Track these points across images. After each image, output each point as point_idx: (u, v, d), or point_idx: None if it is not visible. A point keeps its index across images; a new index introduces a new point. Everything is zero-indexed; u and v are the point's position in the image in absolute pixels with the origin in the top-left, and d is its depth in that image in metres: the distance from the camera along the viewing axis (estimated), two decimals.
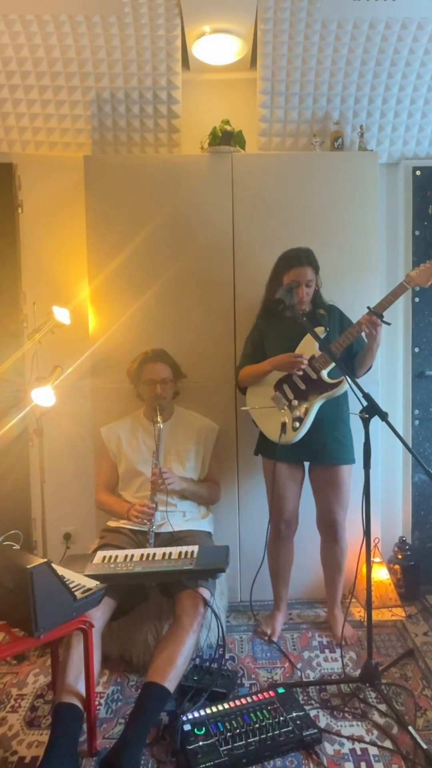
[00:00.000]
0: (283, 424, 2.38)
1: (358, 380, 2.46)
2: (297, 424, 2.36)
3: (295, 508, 2.54)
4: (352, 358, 2.44)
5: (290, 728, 1.85)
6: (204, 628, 2.31)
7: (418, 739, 1.84)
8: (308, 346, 2.38)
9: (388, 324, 2.29)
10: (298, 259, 2.40)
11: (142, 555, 2.22)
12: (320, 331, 2.36)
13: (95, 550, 2.32)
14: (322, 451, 2.43)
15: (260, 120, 2.93)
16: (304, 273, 2.39)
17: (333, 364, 2.34)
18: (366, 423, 2.04)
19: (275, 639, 2.52)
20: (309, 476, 2.56)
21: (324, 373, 2.35)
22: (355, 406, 2.18)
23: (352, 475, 2.49)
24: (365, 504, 2.07)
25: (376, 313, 2.25)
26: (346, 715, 2.02)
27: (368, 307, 2.27)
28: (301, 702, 2.04)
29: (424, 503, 3.06)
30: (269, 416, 2.44)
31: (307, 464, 2.56)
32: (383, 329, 2.31)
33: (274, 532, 2.56)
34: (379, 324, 2.26)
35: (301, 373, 2.36)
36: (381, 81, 2.80)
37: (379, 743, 1.88)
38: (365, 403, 2.03)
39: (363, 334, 2.30)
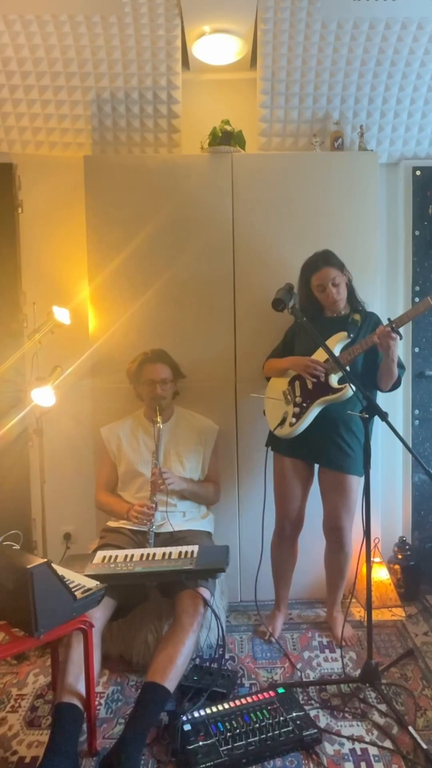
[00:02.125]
0: (284, 418, 2.41)
1: (387, 393, 2.43)
2: (294, 420, 2.37)
3: (301, 509, 2.53)
4: (376, 371, 2.35)
5: (290, 728, 1.85)
6: (204, 628, 2.31)
7: (418, 739, 1.84)
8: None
9: (401, 337, 2.21)
10: (315, 263, 2.41)
11: (142, 555, 2.22)
12: (342, 336, 2.34)
13: (95, 550, 2.32)
14: (326, 454, 2.42)
15: (260, 120, 2.92)
16: (325, 275, 2.38)
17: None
18: (366, 423, 2.04)
19: (275, 639, 2.52)
20: (318, 479, 2.55)
21: (333, 378, 2.33)
22: (356, 406, 2.18)
23: (360, 486, 2.41)
24: (365, 504, 2.07)
25: (392, 327, 2.16)
26: (346, 715, 2.02)
27: (389, 319, 2.20)
28: (301, 702, 2.04)
29: (424, 503, 3.06)
30: (276, 408, 2.49)
31: (317, 467, 2.54)
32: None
33: (277, 532, 2.56)
34: (393, 337, 2.17)
35: (315, 379, 2.35)
36: (381, 81, 2.80)
37: (379, 743, 1.88)
38: (365, 404, 2.03)
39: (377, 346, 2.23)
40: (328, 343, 2.33)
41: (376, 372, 2.36)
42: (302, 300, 2.46)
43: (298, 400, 2.39)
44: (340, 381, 2.33)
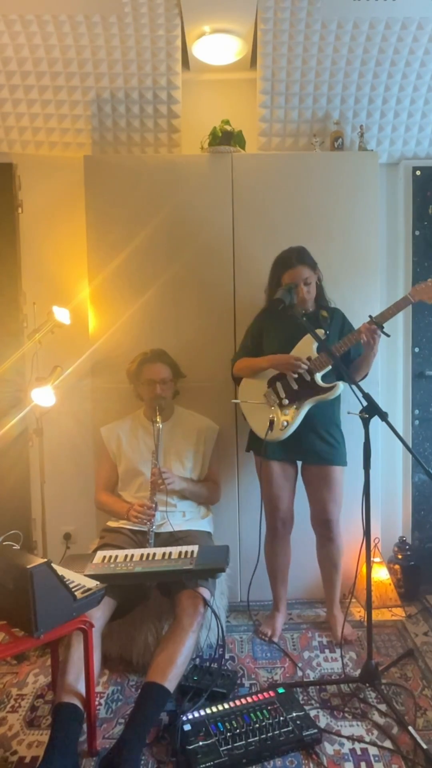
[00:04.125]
0: (271, 422, 2.39)
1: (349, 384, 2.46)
2: (285, 423, 2.36)
3: (290, 506, 2.55)
4: (349, 364, 2.43)
5: (290, 728, 1.85)
6: (204, 628, 2.31)
7: (418, 739, 1.84)
8: (305, 348, 2.38)
9: (388, 335, 2.26)
10: (290, 260, 2.40)
11: (142, 555, 2.22)
12: (320, 333, 2.35)
13: (95, 550, 2.33)
14: (310, 451, 2.44)
15: (260, 120, 2.93)
16: (298, 273, 2.38)
17: (328, 368, 2.33)
18: (366, 423, 2.04)
19: (276, 639, 2.52)
20: (302, 476, 2.56)
21: (318, 376, 2.34)
22: (355, 406, 2.18)
23: (344, 475, 2.49)
24: (365, 504, 2.07)
25: (377, 323, 2.22)
26: (346, 715, 2.02)
27: (370, 316, 2.25)
28: (301, 702, 2.04)
29: (424, 503, 3.06)
30: (259, 412, 2.45)
31: (300, 463, 2.56)
32: (381, 339, 2.28)
33: (270, 532, 2.56)
34: (379, 334, 2.23)
35: (296, 375, 2.35)
36: (381, 81, 2.80)
37: (379, 743, 1.88)
38: (365, 403, 2.03)
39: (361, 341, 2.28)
40: (306, 340, 2.37)
41: (348, 366, 2.42)
42: (271, 296, 2.46)
43: (286, 402, 2.39)
44: (325, 378, 2.34)
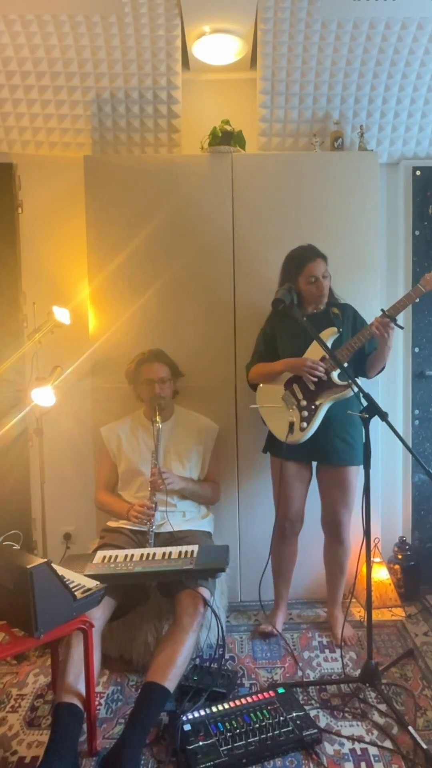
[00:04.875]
0: (291, 424, 2.37)
1: (367, 379, 2.46)
2: (305, 424, 2.35)
3: (301, 508, 2.54)
4: (365, 359, 2.41)
5: (290, 728, 1.85)
6: (204, 628, 2.31)
7: (418, 739, 1.84)
8: (318, 348, 2.36)
9: (401, 328, 2.25)
10: (307, 256, 2.39)
11: (142, 555, 2.22)
12: (332, 331, 2.34)
13: (95, 550, 2.33)
14: (330, 452, 2.42)
15: (260, 120, 2.93)
16: (318, 266, 2.38)
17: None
18: (366, 423, 2.03)
19: (278, 632, 2.52)
20: (316, 476, 2.55)
21: (334, 375, 2.32)
22: (356, 406, 2.18)
23: (359, 477, 2.46)
24: (365, 504, 2.07)
25: (390, 316, 2.21)
26: (346, 715, 2.02)
27: (382, 309, 2.24)
28: (301, 702, 2.04)
29: (424, 503, 3.06)
30: (278, 415, 2.44)
31: (314, 464, 2.55)
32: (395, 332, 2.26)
33: (278, 532, 2.55)
34: (392, 327, 2.22)
35: (315, 379, 2.33)
36: (381, 81, 2.80)
37: (379, 743, 1.88)
38: (365, 403, 2.03)
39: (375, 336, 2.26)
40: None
41: (364, 361, 2.40)
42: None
43: (304, 403, 2.37)
44: (341, 376, 2.33)
